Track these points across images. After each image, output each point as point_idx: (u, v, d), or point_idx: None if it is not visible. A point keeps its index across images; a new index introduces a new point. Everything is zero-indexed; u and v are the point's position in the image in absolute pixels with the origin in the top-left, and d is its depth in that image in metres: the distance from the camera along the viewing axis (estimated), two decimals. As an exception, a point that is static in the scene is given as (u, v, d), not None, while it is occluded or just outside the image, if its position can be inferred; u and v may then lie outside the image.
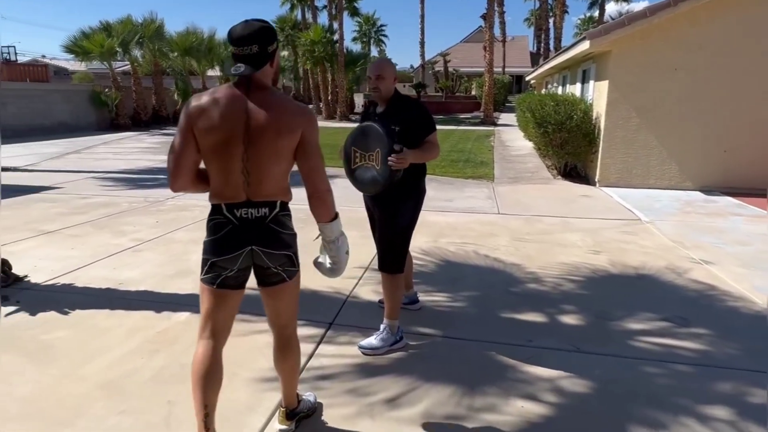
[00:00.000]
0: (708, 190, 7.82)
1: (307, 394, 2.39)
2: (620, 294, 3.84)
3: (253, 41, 1.80)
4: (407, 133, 2.70)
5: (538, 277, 4.13)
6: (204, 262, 1.90)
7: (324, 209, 1.96)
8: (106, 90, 20.07)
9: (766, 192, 7.19)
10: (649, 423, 2.29)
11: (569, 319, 3.38)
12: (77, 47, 19.61)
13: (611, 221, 6.06)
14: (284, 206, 1.93)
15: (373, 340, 2.93)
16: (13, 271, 3.90)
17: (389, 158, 2.56)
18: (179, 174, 1.86)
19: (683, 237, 5.36)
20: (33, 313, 3.33)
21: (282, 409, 2.21)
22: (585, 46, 8.07)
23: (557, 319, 3.39)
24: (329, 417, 2.32)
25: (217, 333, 1.94)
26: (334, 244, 2.04)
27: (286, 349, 2.11)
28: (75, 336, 3.03)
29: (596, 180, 8.34)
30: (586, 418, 2.35)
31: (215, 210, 1.88)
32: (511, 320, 3.37)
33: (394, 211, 2.85)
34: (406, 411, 2.37)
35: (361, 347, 2.92)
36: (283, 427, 2.20)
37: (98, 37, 19.37)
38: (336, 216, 2.01)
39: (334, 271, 2.09)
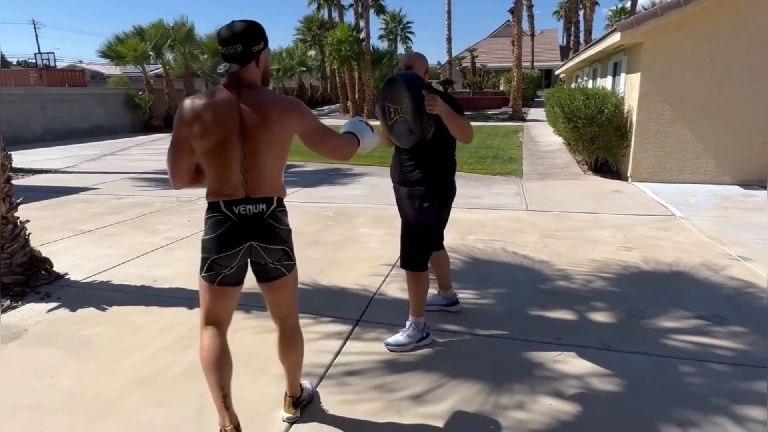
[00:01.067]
0: (747, 185, 7.55)
1: (304, 382, 2.45)
2: (653, 291, 3.75)
3: (237, 41, 1.86)
4: (439, 122, 2.66)
5: (568, 275, 4.07)
6: (204, 260, 1.97)
7: (350, 152, 2.16)
8: (140, 93, 20.65)
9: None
10: (681, 423, 2.24)
11: (599, 317, 3.32)
12: (112, 52, 20.22)
13: (644, 217, 5.92)
14: (280, 202, 2.00)
15: (399, 337, 2.94)
16: (54, 269, 4.06)
17: (425, 100, 2.53)
18: (178, 176, 1.99)
19: (720, 233, 5.19)
20: (73, 309, 3.47)
21: (289, 398, 2.29)
22: (616, 38, 7.88)
23: (587, 316, 3.34)
24: (356, 413, 2.35)
25: (218, 324, 2.02)
26: (365, 145, 2.26)
27: (290, 341, 2.19)
28: (112, 332, 3.15)
29: (628, 175, 8.15)
30: (617, 417, 2.31)
31: (213, 207, 1.93)
32: (540, 318, 3.33)
33: (421, 207, 2.82)
34: (433, 407, 2.38)
35: (387, 344, 2.94)
36: (290, 414, 2.28)
37: (132, 42, 19.93)
38: (359, 142, 2.20)
39: (369, 147, 2.32)
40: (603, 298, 3.62)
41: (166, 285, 3.91)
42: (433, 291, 3.29)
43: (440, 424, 2.27)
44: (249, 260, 2.01)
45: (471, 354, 2.88)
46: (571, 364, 2.74)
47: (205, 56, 23.19)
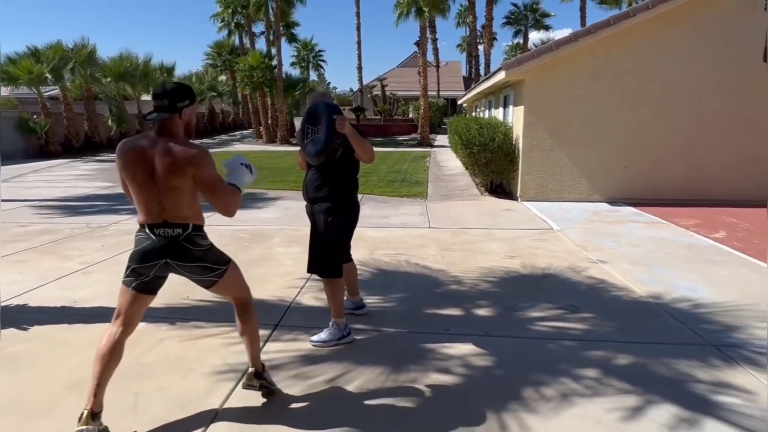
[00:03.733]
0: (613, 201, 8.84)
1: (269, 372, 2.82)
2: (527, 290, 4.50)
3: (164, 96, 2.31)
4: (346, 147, 3.19)
5: (459, 280, 4.73)
6: (127, 267, 2.40)
7: (234, 213, 2.47)
8: (35, 116, 19.44)
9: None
10: (536, 384, 2.87)
11: (482, 312, 3.97)
12: (2, 73, 18.94)
13: (528, 231, 6.82)
14: (196, 228, 2.40)
15: (322, 335, 3.39)
16: (-36, 295, 4.05)
17: (334, 120, 3.07)
18: (133, 202, 2.40)
19: (586, 242, 6.17)
20: (-9, 331, 3.54)
21: (251, 370, 2.67)
22: (502, 75, 8.99)
23: (472, 312, 3.98)
24: (277, 398, 2.74)
25: (126, 324, 2.43)
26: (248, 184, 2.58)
27: (243, 314, 2.62)
28: (38, 347, 3.29)
29: (518, 195, 9.19)
30: (489, 384, 2.90)
31: (140, 228, 2.39)
32: (433, 315, 3.92)
33: (325, 221, 3.29)
34: (343, 387, 2.84)
35: (311, 341, 3.37)
36: (250, 383, 2.66)
37: (26, 63, 18.82)
38: (239, 194, 2.49)
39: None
40: (486, 297, 4.29)
41: (87, 305, 4.06)
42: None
43: (351, 399, 2.73)
44: (167, 275, 2.46)
45: (375, 346, 3.39)
46: (457, 348, 3.33)
47: (108, 79, 22.36)
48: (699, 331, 3.60)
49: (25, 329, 3.56)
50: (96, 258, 5.38)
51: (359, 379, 2.93)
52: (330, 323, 3.42)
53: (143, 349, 3.23)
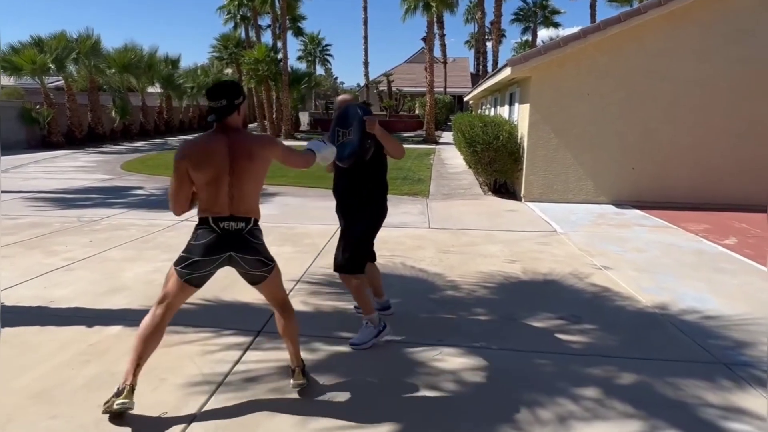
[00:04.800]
0: (619, 204, 8.59)
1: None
2: (527, 298, 4.28)
3: (222, 96, 2.45)
4: (377, 148, 3.17)
5: (456, 285, 4.52)
6: (184, 258, 2.46)
7: (310, 163, 2.77)
8: (38, 107, 19.34)
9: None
10: (530, 404, 2.66)
11: (478, 321, 3.77)
12: (6, 62, 18.82)
13: (530, 233, 6.60)
14: (256, 222, 2.55)
15: (358, 336, 3.29)
16: (-62, 292, 3.88)
17: (364, 121, 3.01)
18: (180, 205, 2.54)
19: (590, 246, 5.94)
20: (-40, 332, 3.37)
21: (297, 368, 2.70)
22: (507, 72, 8.74)
23: (467, 320, 3.77)
24: (253, 414, 2.55)
25: (170, 308, 2.53)
26: (323, 158, 2.87)
27: (286, 312, 2.71)
28: (4, 352, 3.11)
29: (522, 196, 8.96)
30: (478, 402, 2.70)
31: (203, 221, 2.47)
32: (426, 323, 3.72)
33: (357, 221, 3.28)
34: (325, 403, 2.64)
35: (351, 344, 3.27)
36: (299, 382, 2.67)
37: (29, 53, 18.70)
38: (314, 157, 2.79)
39: (328, 158, 2.93)
40: (483, 304, 4.09)
41: (65, 305, 3.88)
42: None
43: (332, 416, 2.54)
44: (223, 268, 2.53)
45: (362, 357, 3.19)
46: (448, 361, 3.12)
47: (113, 71, 22.24)
48: (708, 347, 3.37)
49: (-5, 331, 3.38)
50: (81, 254, 5.20)
51: (343, 395, 2.73)
52: (363, 322, 3.32)
53: (115, 357, 3.04)
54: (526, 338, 3.49)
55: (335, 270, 3.33)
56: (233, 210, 2.44)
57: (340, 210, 3.41)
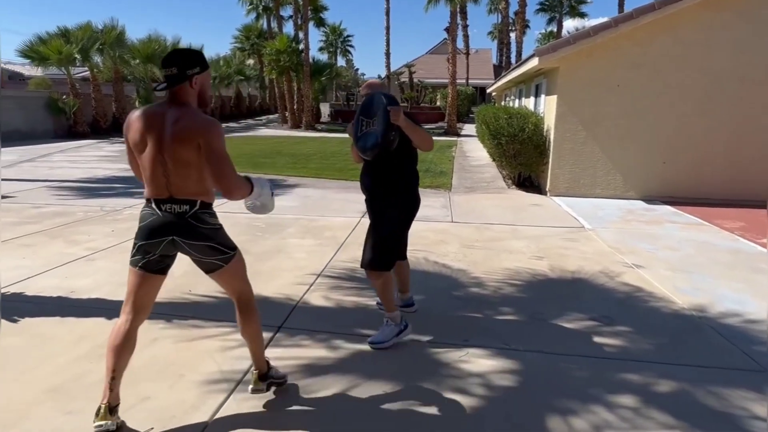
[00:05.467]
0: (649, 199, 8.30)
1: (275, 367, 2.65)
2: (555, 296, 4.11)
3: (173, 64, 2.17)
4: (402, 137, 2.97)
5: (482, 282, 4.38)
6: (133, 245, 2.26)
7: (238, 197, 2.30)
8: (64, 97, 19.63)
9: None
10: (563, 411, 2.52)
11: (505, 320, 3.62)
12: (33, 53, 19.15)
13: (556, 229, 6.40)
14: (204, 205, 2.24)
15: (379, 335, 3.18)
16: (-39, 280, 3.89)
17: (389, 112, 2.82)
18: (137, 175, 2.27)
19: (620, 243, 5.72)
20: (-19, 321, 3.36)
21: (254, 372, 2.52)
22: (534, 62, 8.49)
23: (494, 319, 3.63)
24: (271, 415, 2.47)
25: (136, 310, 2.27)
26: (258, 199, 2.44)
27: (244, 313, 2.45)
28: (23, 343, 3.08)
29: (547, 190, 8.73)
30: (508, 408, 2.56)
31: (146, 203, 2.25)
32: (451, 322, 3.58)
33: (385, 215, 3.14)
34: (346, 405, 2.54)
35: (371, 344, 3.16)
36: (257, 387, 2.50)
37: (56, 43, 18.98)
38: (251, 189, 2.36)
39: (263, 208, 2.49)
40: (510, 303, 3.93)
41: (85, 296, 3.85)
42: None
43: (355, 419, 2.43)
44: (175, 254, 2.30)
45: (385, 356, 3.07)
46: (475, 363, 2.99)
47: (137, 61, 22.42)
48: (752, 354, 3.17)
49: (15, 321, 3.36)
50: (103, 244, 5.19)
51: (365, 397, 2.62)
52: (384, 320, 3.21)
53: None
54: (555, 340, 3.33)
55: (362, 266, 3.20)
56: (172, 191, 2.17)
57: (369, 204, 3.29)
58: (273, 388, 2.59)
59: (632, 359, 3.07)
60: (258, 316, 2.49)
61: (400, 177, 3.14)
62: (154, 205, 2.21)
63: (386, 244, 3.13)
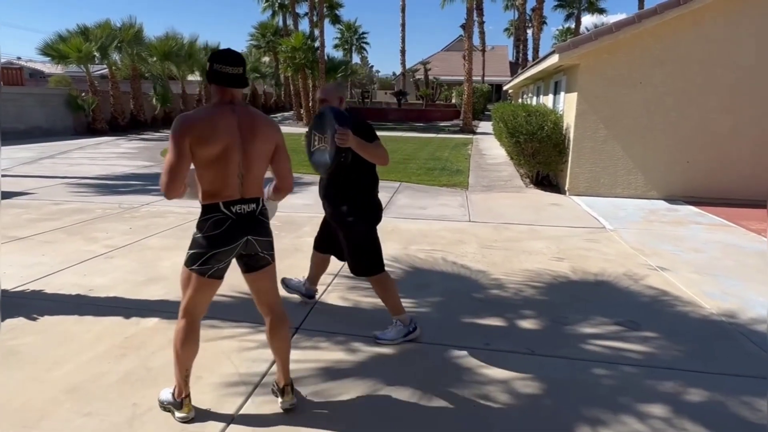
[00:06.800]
0: (671, 199, 8.12)
1: None
2: (578, 299, 4.01)
3: (242, 63, 2.21)
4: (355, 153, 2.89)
5: (502, 284, 4.29)
6: (198, 255, 2.20)
7: (283, 197, 2.49)
8: (83, 94, 19.85)
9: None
10: (592, 421, 2.43)
11: (527, 324, 3.53)
12: (54, 50, 19.38)
13: (577, 229, 6.27)
14: (262, 201, 2.33)
15: (388, 333, 3.18)
16: (-18, 277, 3.91)
17: (336, 135, 2.75)
18: (177, 186, 2.13)
19: (643, 244, 5.58)
20: (1, 319, 3.36)
21: (287, 386, 2.44)
22: (554, 59, 8.33)
23: (515, 323, 3.54)
24: (289, 420, 2.42)
25: (197, 314, 2.31)
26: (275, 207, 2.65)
27: (282, 325, 2.44)
28: (42, 342, 3.08)
29: (566, 189, 8.58)
30: (534, 417, 2.48)
31: (212, 209, 2.19)
32: (472, 325, 3.50)
33: (350, 228, 3.10)
34: (366, 410, 2.48)
35: (377, 340, 3.17)
36: (292, 401, 2.43)
37: (75, 41, 19.18)
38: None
39: (271, 211, 2.55)
40: (532, 305, 3.84)
41: (103, 294, 3.84)
42: (300, 278, 3.73)
43: (375, 426, 2.37)
44: (241, 254, 2.30)
45: (405, 360, 3.01)
46: (498, 368, 2.91)
47: (154, 59, 22.58)
48: (786, 363, 3.05)
49: (34, 319, 3.36)
50: (121, 242, 5.20)
51: (386, 402, 2.56)
52: (394, 321, 3.19)
53: (150, 351, 2.96)
54: (581, 345, 3.23)
55: (357, 275, 3.24)
56: (243, 192, 2.20)
57: (332, 216, 3.19)
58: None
59: (661, 366, 2.97)
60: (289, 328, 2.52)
61: (357, 192, 3.09)
62: (224, 208, 2.18)
63: (365, 253, 3.14)
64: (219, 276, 2.28)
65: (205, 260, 2.19)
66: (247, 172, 2.19)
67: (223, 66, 2.16)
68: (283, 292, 3.12)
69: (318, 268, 3.66)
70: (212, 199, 2.18)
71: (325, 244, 3.52)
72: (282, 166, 2.36)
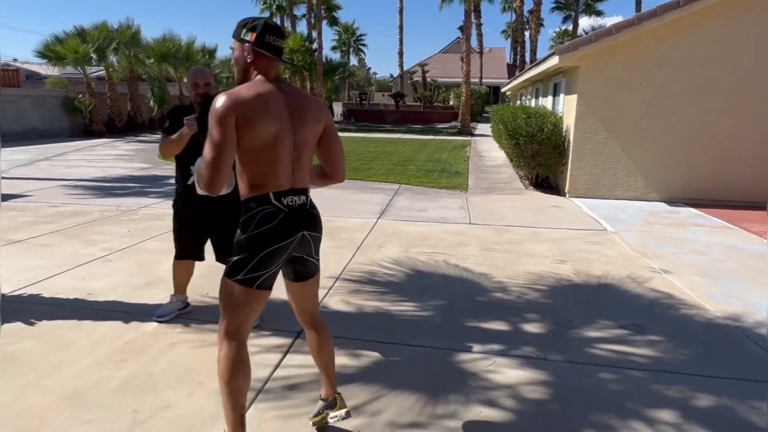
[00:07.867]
0: (672, 201, 8.10)
1: None
2: (582, 303, 3.98)
3: (284, 36, 1.99)
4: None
5: (504, 287, 4.25)
6: (245, 261, 1.88)
7: (328, 184, 2.16)
8: (80, 96, 19.77)
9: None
10: (600, 427, 2.40)
11: (531, 327, 3.50)
12: (50, 52, 19.29)
13: (578, 231, 6.25)
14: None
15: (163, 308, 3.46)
16: (-21, 281, 3.86)
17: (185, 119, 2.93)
18: (223, 176, 1.82)
19: (645, 247, 5.56)
20: (-2, 324, 3.31)
21: (337, 395, 2.28)
22: (554, 60, 8.32)
23: (520, 327, 3.50)
24: (293, 427, 2.37)
25: (244, 336, 1.98)
26: None
27: (325, 333, 2.24)
28: (40, 347, 3.03)
29: (566, 191, 8.56)
30: (542, 423, 2.45)
31: (260, 201, 1.89)
32: (475, 328, 3.47)
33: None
34: (371, 419, 2.44)
35: (155, 317, 3.39)
36: (346, 409, 2.25)
37: (72, 43, 19.09)
38: None
39: None
40: (535, 309, 3.81)
41: (102, 298, 3.79)
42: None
43: (375, 433, 2.33)
44: (293, 255, 2.01)
45: (408, 365, 2.97)
46: (502, 373, 2.88)
47: (152, 60, 22.51)
48: (794, 367, 3.02)
49: (32, 324, 3.31)
50: (119, 245, 5.15)
51: (389, 410, 2.52)
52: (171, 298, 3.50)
53: (151, 356, 2.91)
54: (586, 349, 3.20)
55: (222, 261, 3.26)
56: (294, 181, 1.92)
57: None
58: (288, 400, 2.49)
59: (668, 371, 2.94)
60: None
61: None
62: (274, 200, 1.88)
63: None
64: (268, 286, 1.96)
65: (253, 266, 1.88)
66: (297, 159, 1.92)
67: (276, 38, 1.91)
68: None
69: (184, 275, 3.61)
70: (258, 191, 1.88)
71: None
72: (334, 150, 2.07)
